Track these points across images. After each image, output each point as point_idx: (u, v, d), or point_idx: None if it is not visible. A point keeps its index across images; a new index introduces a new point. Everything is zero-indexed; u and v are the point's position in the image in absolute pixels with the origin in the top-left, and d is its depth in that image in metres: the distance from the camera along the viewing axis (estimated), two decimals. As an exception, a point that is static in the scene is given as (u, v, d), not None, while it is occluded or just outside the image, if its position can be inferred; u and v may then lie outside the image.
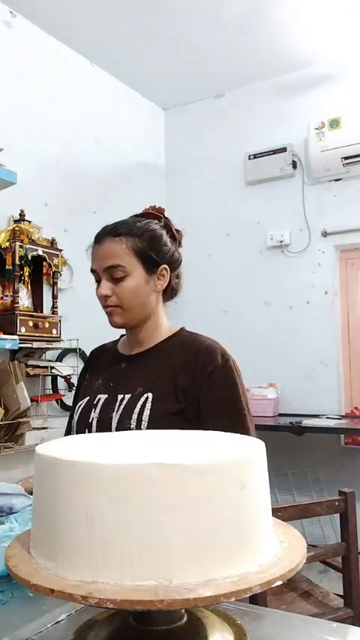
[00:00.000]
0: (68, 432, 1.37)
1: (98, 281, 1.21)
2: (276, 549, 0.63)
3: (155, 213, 1.30)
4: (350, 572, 1.70)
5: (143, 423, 1.13)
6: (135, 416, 1.14)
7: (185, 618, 0.66)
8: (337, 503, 1.72)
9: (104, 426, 1.18)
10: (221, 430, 1.07)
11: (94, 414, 1.21)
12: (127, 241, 1.18)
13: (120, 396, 1.19)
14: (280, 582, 0.57)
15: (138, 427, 1.13)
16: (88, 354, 1.45)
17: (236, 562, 0.58)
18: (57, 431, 2.51)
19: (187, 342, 1.24)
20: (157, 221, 1.27)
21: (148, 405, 1.14)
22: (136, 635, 0.65)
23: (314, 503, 1.70)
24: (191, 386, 1.16)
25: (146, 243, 1.20)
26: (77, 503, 0.58)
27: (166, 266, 1.24)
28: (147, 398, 1.16)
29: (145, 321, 1.24)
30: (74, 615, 0.76)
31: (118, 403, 1.18)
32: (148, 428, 1.12)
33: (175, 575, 0.55)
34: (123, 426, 1.15)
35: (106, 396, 1.22)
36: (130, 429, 1.13)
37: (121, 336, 1.36)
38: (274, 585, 0.57)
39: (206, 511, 0.57)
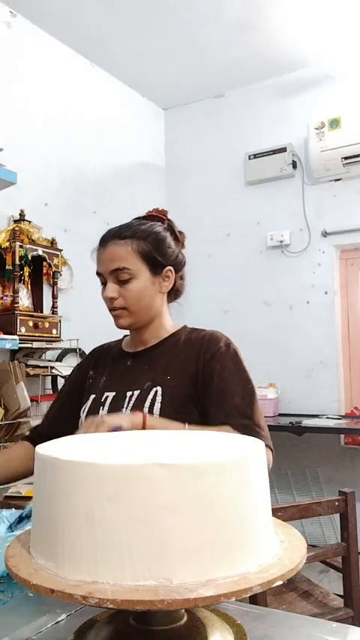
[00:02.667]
0: (48, 423, 1.35)
1: (104, 284, 1.22)
2: (276, 549, 0.63)
3: (158, 215, 1.30)
4: (350, 572, 1.70)
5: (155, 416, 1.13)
6: (146, 410, 1.13)
7: (185, 618, 0.66)
8: (337, 503, 1.72)
9: None
10: (230, 406, 1.09)
11: (103, 412, 1.20)
12: (132, 244, 1.19)
13: (129, 393, 1.20)
14: (280, 582, 0.57)
15: None
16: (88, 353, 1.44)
17: (236, 562, 0.58)
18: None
19: (191, 335, 1.25)
20: (160, 223, 1.27)
21: (159, 399, 1.15)
22: (136, 635, 0.65)
23: (314, 503, 1.69)
24: (197, 371, 1.17)
25: (151, 245, 1.21)
26: (77, 503, 0.58)
27: (170, 267, 1.25)
28: (156, 392, 1.16)
29: (150, 322, 1.25)
30: (74, 615, 0.76)
31: (127, 400, 1.19)
32: None
33: (175, 575, 0.55)
34: None
35: (113, 393, 1.23)
36: None
37: (125, 336, 1.36)
38: (274, 585, 0.57)
39: (206, 511, 0.57)
